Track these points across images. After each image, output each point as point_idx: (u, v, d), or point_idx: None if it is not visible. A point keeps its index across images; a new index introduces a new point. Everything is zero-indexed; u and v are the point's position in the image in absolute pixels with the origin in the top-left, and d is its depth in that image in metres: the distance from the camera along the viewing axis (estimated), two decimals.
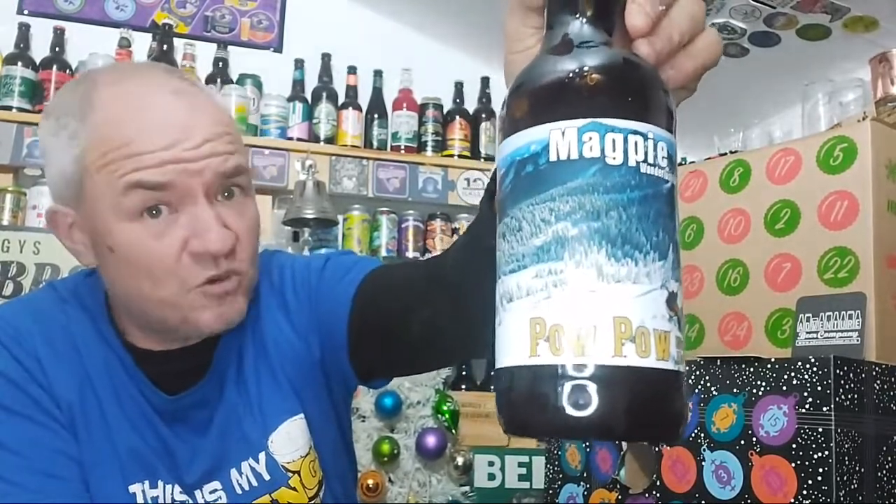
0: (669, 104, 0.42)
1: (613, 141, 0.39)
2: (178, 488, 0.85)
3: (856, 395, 0.96)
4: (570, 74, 0.40)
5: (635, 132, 0.39)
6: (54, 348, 0.84)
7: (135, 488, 0.83)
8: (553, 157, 0.39)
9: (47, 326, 0.85)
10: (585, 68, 0.40)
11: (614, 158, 0.39)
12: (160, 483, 0.84)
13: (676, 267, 0.40)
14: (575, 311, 0.38)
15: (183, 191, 0.76)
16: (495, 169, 0.46)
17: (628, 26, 0.42)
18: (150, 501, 0.83)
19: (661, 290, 0.38)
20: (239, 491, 0.86)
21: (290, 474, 0.87)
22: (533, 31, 0.48)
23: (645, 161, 0.39)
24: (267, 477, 0.86)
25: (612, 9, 0.43)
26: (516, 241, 0.40)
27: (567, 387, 0.37)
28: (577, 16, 0.43)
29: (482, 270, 0.49)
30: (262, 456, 0.86)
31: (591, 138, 0.39)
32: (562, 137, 0.39)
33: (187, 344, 0.86)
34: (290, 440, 0.87)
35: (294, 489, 0.87)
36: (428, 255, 2.46)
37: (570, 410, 0.37)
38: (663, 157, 0.40)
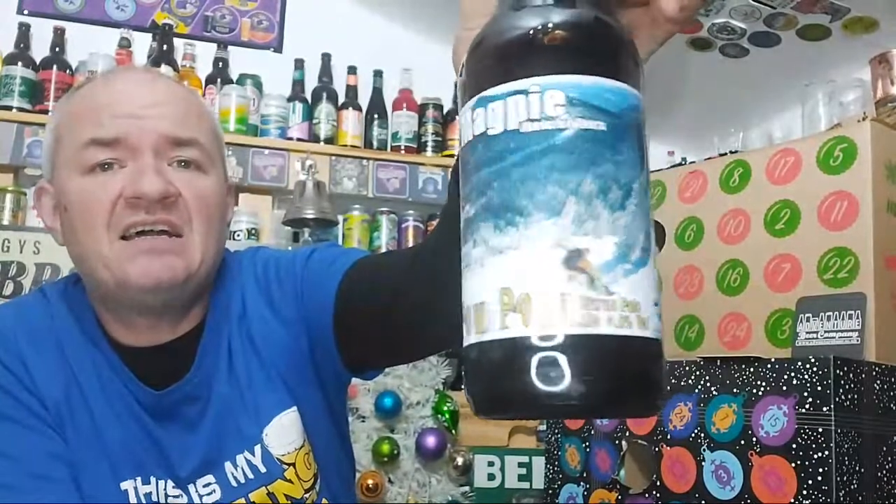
0: (567, 44, 0.38)
1: (493, 110, 0.38)
2: (170, 484, 0.85)
3: (856, 395, 0.96)
4: (470, 53, 0.41)
5: (514, 92, 0.37)
6: (38, 348, 0.84)
7: (126, 485, 0.83)
8: (463, 143, 0.40)
9: (30, 327, 0.86)
10: (477, 44, 0.40)
11: (494, 128, 0.38)
12: (152, 479, 0.84)
13: (584, 221, 0.36)
14: (470, 291, 0.38)
15: (133, 146, 0.81)
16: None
17: None
18: (142, 498, 0.83)
19: (553, 250, 0.36)
20: (234, 484, 0.86)
21: (286, 466, 0.87)
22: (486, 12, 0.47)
23: (528, 119, 0.37)
24: (263, 469, 0.87)
25: None
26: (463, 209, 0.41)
27: (470, 363, 0.38)
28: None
29: (457, 250, 0.50)
30: (257, 449, 0.87)
31: (477, 116, 0.38)
32: (466, 121, 0.40)
33: (173, 337, 0.87)
34: (283, 433, 0.87)
35: (290, 481, 0.87)
36: None
37: (476, 386, 0.38)
38: (557, 106, 0.37)
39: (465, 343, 0.39)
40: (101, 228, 0.80)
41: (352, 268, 0.85)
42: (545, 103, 0.37)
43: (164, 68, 2.56)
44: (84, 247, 0.82)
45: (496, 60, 0.39)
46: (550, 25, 0.38)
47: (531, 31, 0.38)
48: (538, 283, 0.36)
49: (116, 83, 0.86)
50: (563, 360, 0.35)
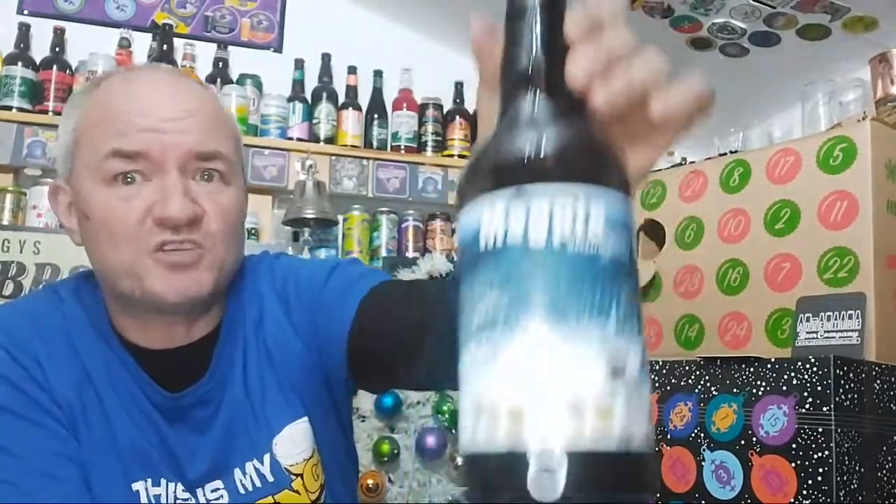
0: (610, 161, 0.40)
1: (538, 216, 0.37)
2: (180, 486, 0.85)
3: (856, 395, 0.96)
4: (502, 153, 0.40)
5: (563, 200, 0.37)
6: (52, 348, 0.84)
7: (138, 486, 0.83)
8: (483, 239, 0.38)
9: (44, 327, 0.85)
10: (516, 146, 0.39)
11: (537, 235, 0.37)
12: (163, 481, 0.84)
13: (623, 333, 0.37)
14: (504, 388, 0.37)
15: (157, 161, 0.80)
16: None
17: (568, 78, 0.40)
18: (152, 499, 0.83)
19: (597, 359, 0.36)
20: (242, 491, 0.86)
21: (294, 477, 0.87)
22: None
23: (573, 233, 0.37)
24: (271, 478, 0.87)
25: (556, 82, 0.41)
26: (462, 317, 0.40)
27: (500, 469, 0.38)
28: (526, 91, 0.42)
29: None
30: (266, 458, 0.87)
31: (517, 217, 0.38)
32: (491, 216, 0.38)
33: (188, 341, 0.86)
34: (293, 443, 0.88)
35: (297, 492, 0.87)
36: (428, 255, 2.46)
37: (509, 488, 0.37)
38: (598, 225, 0.38)
39: (489, 448, 0.38)
40: (127, 243, 0.79)
41: (369, 296, 0.85)
42: (591, 218, 0.38)
43: None
44: (107, 258, 0.81)
45: (539, 165, 0.38)
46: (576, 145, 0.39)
47: (591, 144, 0.40)
48: (587, 389, 0.36)
49: (138, 86, 0.84)
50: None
